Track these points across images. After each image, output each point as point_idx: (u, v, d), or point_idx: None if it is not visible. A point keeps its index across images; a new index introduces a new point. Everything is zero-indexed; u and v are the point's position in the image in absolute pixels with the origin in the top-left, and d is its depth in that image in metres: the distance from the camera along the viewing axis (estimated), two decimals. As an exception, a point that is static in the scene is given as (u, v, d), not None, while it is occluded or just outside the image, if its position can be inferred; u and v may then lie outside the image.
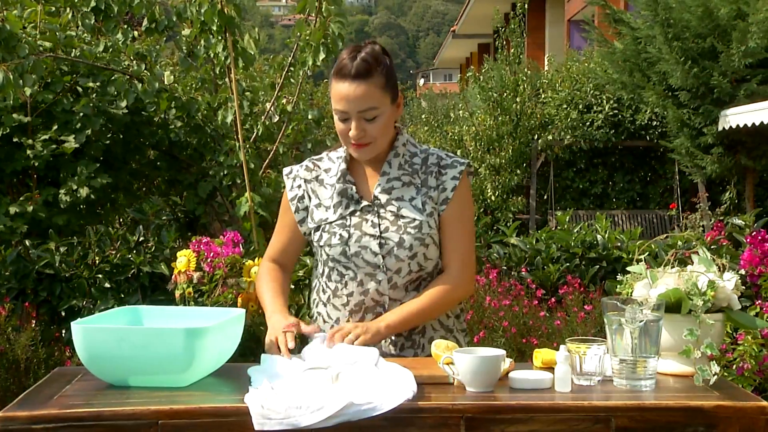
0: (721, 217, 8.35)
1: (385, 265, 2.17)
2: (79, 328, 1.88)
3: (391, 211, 2.21)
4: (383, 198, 2.22)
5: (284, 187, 2.33)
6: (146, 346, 1.84)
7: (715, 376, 1.86)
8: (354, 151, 2.20)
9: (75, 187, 4.78)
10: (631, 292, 2.04)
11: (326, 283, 2.26)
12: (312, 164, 2.31)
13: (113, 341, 1.85)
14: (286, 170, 2.33)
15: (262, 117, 5.13)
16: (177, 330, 1.87)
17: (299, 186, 2.29)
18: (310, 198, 2.28)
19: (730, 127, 7.55)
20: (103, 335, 1.87)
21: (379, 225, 2.19)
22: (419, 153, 2.27)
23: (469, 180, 2.30)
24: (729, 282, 1.99)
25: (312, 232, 2.26)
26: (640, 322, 1.85)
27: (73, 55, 4.97)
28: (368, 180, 2.26)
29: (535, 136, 10.15)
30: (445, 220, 2.23)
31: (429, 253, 2.21)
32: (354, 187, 2.24)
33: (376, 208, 2.21)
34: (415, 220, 2.19)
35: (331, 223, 2.22)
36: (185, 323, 2.06)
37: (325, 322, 2.26)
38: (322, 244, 2.22)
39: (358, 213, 2.22)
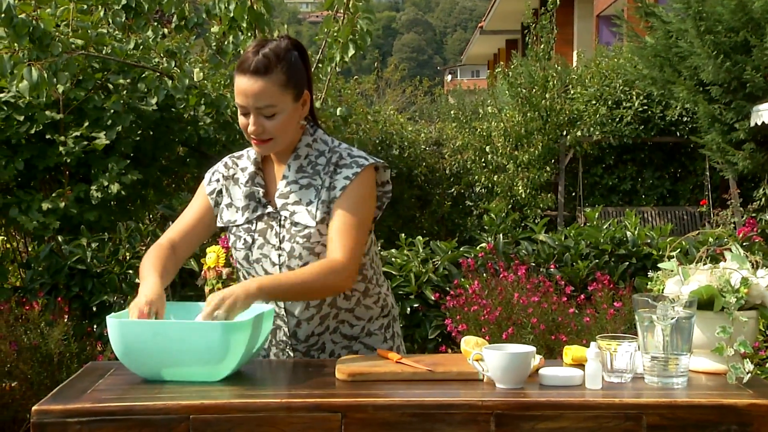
0: (754, 214, 8.24)
1: None
2: (114, 323, 1.89)
3: (286, 218, 2.15)
4: (280, 203, 2.16)
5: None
6: (183, 340, 1.86)
7: (749, 374, 1.84)
8: (255, 147, 2.15)
9: (106, 183, 4.82)
10: (663, 289, 2.02)
11: (239, 281, 2.23)
12: (231, 162, 2.27)
13: (149, 335, 1.87)
14: (213, 165, 2.31)
15: (291, 114, 5.14)
16: (214, 324, 1.88)
17: (217, 180, 2.26)
18: (223, 195, 2.24)
19: (763, 122, 7.44)
20: (138, 329, 1.89)
21: (279, 234, 2.15)
22: (327, 153, 2.18)
23: (373, 178, 2.18)
24: (763, 279, 1.97)
25: (228, 233, 2.24)
26: (672, 319, 1.83)
27: (104, 52, 5.01)
28: (277, 183, 2.21)
29: (564, 133, 10.09)
30: (332, 213, 2.12)
31: (316, 260, 2.13)
32: (262, 191, 2.18)
33: (278, 214, 2.16)
34: (306, 227, 2.13)
35: (237, 226, 2.19)
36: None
37: None
38: (230, 244, 2.22)
39: (264, 218, 2.17)
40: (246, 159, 2.25)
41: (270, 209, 2.17)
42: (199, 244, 2.31)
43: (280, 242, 2.14)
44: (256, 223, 2.18)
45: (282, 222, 2.16)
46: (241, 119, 2.13)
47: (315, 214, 2.13)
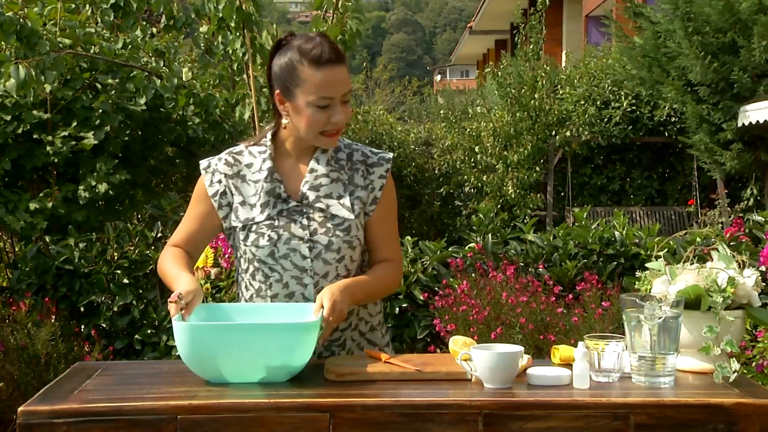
0: (741, 214, 8.28)
1: (313, 268, 2.12)
2: (183, 326, 1.86)
3: (319, 211, 2.14)
4: (311, 196, 2.14)
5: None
6: (257, 341, 1.84)
7: (735, 374, 1.85)
8: (326, 142, 2.13)
9: (94, 183, 4.81)
10: (650, 289, 2.03)
11: (250, 281, 2.19)
12: (232, 158, 2.20)
13: (220, 337, 1.85)
14: (203, 163, 2.22)
15: (280, 113, 5.14)
16: (291, 325, 1.89)
17: (219, 181, 2.18)
18: (232, 194, 2.18)
19: (750, 123, 7.48)
20: (209, 331, 1.87)
21: (309, 227, 2.14)
22: (343, 148, 2.21)
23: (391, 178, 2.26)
24: (749, 279, 1.98)
25: (237, 230, 2.17)
26: (659, 318, 1.84)
27: (92, 52, 5.00)
28: (295, 177, 2.18)
29: (553, 133, 10.11)
30: (375, 220, 2.18)
31: (355, 255, 2.16)
32: (282, 186, 2.16)
33: (304, 208, 2.15)
34: (344, 221, 2.14)
35: (258, 223, 2.14)
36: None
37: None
38: (249, 243, 2.14)
39: (285, 213, 2.14)
40: (248, 155, 2.20)
41: (293, 203, 2.15)
42: (203, 249, 2.30)
43: (311, 235, 2.13)
44: (279, 219, 2.14)
45: (310, 215, 2.14)
46: (319, 115, 2.08)
47: (351, 207, 2.15)
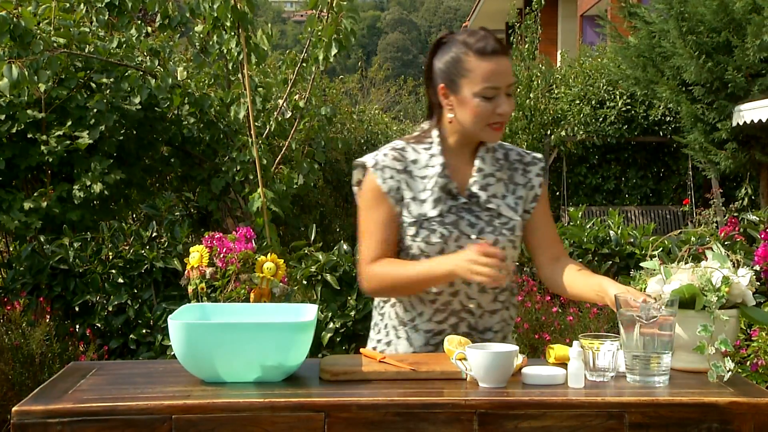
0: (736, 213, 8.30)
1: None
2: (179, 324, 1.86)
3: (487, 210, 2.16)
4: (482, 195, 2.16)
5: (356, 182, 2.21)
6: (252, 340, 1.84)
7: (729, 373, 1.85)
8: (491, 134, 2.12)
9: (89, 183, 4.80)
10: (645, 288, 2.03)
11: None
12: (398, 154, 2.17)
13: (216, 336, 1.85)
14: (369, 162, 2.16)
15: (275, 113, 5.14)
16: (287, 324, 1.88)
17: (391, 177, 2.14)
18: (404, 189, 2.15)
19: (744, 122, 7.49)
20: (205, 330, 1.86)
21: (476, 225, 2.14)
22: (498, 147, 2.23)
23: None
24: (743, 278, 1.98)
25: (405, 225, 2.14)
26: (654, 318, 1.84)
27: (86, 51, 4.99)
28: (460, 174, 2.18)
29: (548, 132, 10.12)
30: (539, 218, 2.22)
31: (515, 255, 2.19)
32: (454, 183, 2.15)
33: (472, 206, 2.15)
34: (510, 221, 2.16)
35: (429, 219, 2.12)
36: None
37: (406, 310, 2.18)
38: (419, 239, 2.12)
39: (454, 210, 2.14)
40: (412, 151, 2.18)
41: (462, 200, 2.15)
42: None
43: (479, 233, 2.13)
44: (448, 216, 2.14)
45: (477, 213, 2.15)
46: (485, 105, 2.09)
47: (516, 207, 2.18)
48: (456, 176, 2.17)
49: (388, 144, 2.23)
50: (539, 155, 2.28)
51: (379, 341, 2.25)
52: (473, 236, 2.12)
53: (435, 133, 2.18)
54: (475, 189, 2.16)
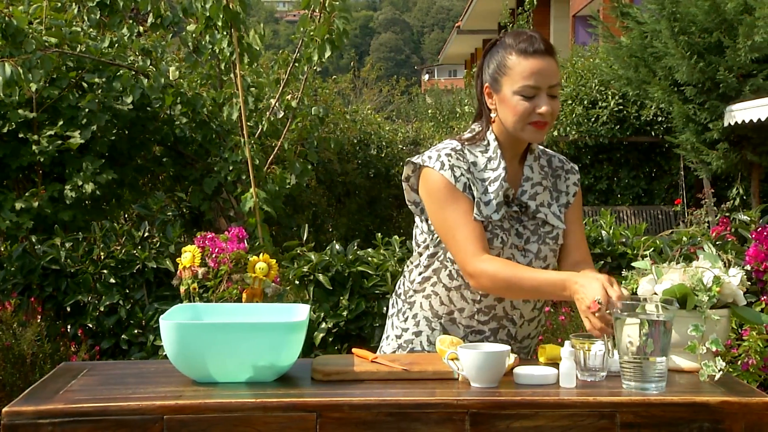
0: (727, 213, 8.32)
1: None
2: (171, 325, 1.85)
3: (536, 219, 2.16)
4: (532, 205, 2.16)
5: (405, 178, 2.19)
6: (244, 341, 1.84)
7: (721, 372, 1.85)
8: (533, 133, 2.10)
9: (80, 182, 4.79)
10: (636, 288, 2.04)
11: (458, 271, 2.14)
12: (457, 154, 2.14)
13: (208, 336, 1.84)
14: (435, 165, 2.11)
15: (267, 113, 5.13)
16: (279, 324, 1.88)
17: (462, 175, 2.11)
18: (473, 189, 2.12)
19: (736, 122, 7.52)
20: (198, 330, 1.86)
21: (523, 235, 2.14)
22: (540, 153, 2.23)
23: None
24: (734, 278, 1.99)
25: None
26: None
27: (78, 50, 4.97)
28: (510, 182, 2.17)
29: (540, 132, 10.13)
30: (570, 221, 2.22)
31: (554, 263, 2.19)
32: (512, 189, 2.15)
33: (521, 216, 2.16)
34: (554, 229, 2.17)
35: (493, 222, 2.11)
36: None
37: (442, 303, 2.18)
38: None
39: (507, 216, 2.14)
40: (470, 154, 2.15)
41: (514, 207, 2.15)
42: None
43: (525, 243, 2.13)
44: (506, 221, 2.14)
45: (525, 223, 2.15)
46: (523, 104, 2.08)
47: (560, 215, 2.18)
48: (510, 182, 2.18)
49: (442, 144, 2.19)
50: (575, 165, 2.31)
51: (405, 330, 2.23)
52: (520, 245, 2.12)
53: (492, 137, 2.16)
54: (524, 198, 2.16)
